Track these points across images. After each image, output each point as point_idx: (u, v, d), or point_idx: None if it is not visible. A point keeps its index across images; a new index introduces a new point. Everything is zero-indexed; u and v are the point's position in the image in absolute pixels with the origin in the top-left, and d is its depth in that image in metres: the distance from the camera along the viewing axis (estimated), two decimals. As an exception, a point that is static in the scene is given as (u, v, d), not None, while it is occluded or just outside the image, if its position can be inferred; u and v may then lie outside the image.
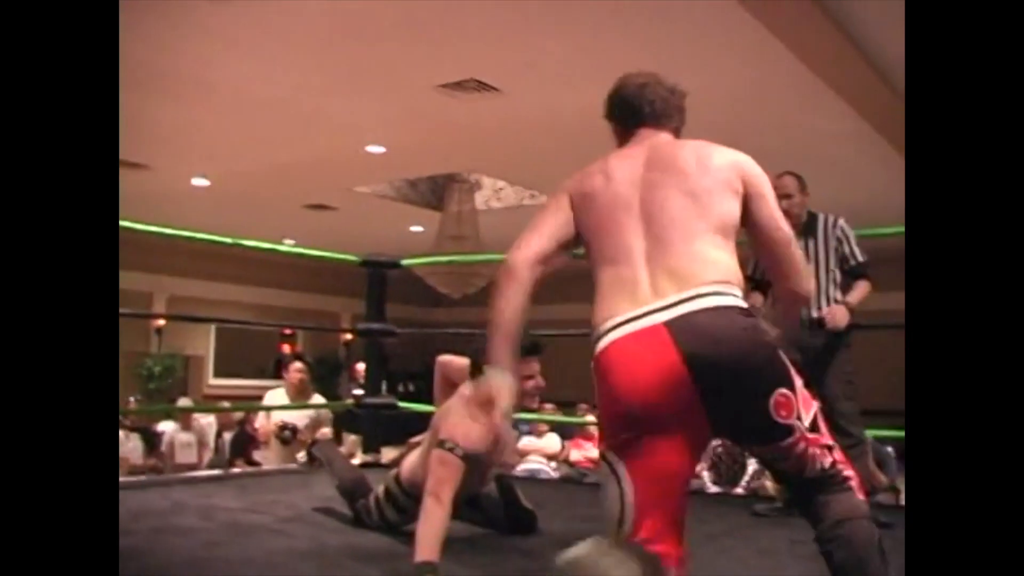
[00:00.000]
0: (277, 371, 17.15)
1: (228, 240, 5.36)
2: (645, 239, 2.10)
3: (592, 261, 2.19)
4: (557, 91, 7.33)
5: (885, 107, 7.25)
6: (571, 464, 9.56)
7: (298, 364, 6.57)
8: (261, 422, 6.85)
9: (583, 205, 2.22)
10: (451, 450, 2.98)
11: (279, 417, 6.28)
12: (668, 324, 1.97)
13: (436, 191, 11.88)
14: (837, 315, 4.06)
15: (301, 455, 6.06)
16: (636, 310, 2.01)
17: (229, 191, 11.06)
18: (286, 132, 8.62)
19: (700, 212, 2.11)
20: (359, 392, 6.07)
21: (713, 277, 2.04)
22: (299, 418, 6.25)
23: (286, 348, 17.63)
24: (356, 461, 5.59)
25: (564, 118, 7.94)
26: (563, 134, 8.52)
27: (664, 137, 2.35)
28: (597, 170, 2.25)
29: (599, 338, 2.05)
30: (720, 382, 1.94)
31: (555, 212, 2.26)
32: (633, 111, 2.37)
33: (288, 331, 17.31)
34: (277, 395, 6.54)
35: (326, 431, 6.31)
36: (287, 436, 6.21)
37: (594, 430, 9.55)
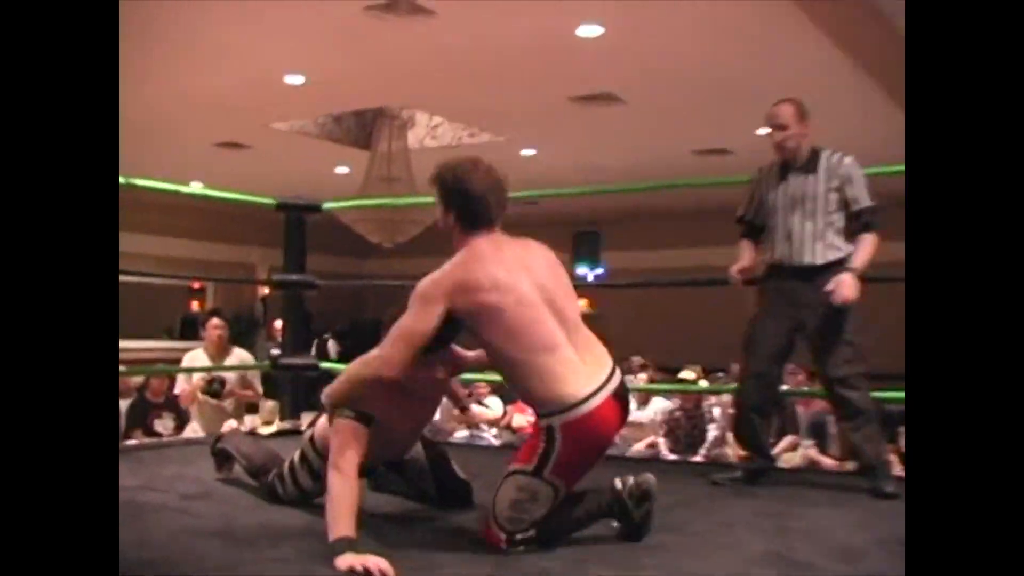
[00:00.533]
0: (184, 331, 17.00)
1: (120, 180, 5.19)
2: (563, 330, 2.94)
3: (518, 352, 2.88)
4: (498, 15, 7.22)
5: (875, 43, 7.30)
6: (514, 430, 9.57)
7: (216, 320, 6.63)
8: (182, 386, 6.89)
9: (485, 318, 2.89)
10: (346, 415, 2.98)
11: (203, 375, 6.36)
12: (613, 394, 2.93)
13: (364, 128, 11.73)
14: (843, 287, 3.81)
15: (231, 422, 6.05)
16: (592, 386, 2.88)
17: (124, 124, 10.77)
18: (194, 59, 8.38)
19: (576, 305, 3.07)
20: (276, 352, 6.01)
21: (608, 357, 3.05)
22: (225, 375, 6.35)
23: (195, 305, 17.42)
24: (273, 428, 5.55)
25: (506, 45, 7.84)
26: (505, 64, 8.42)
27: (503, 237, 3.09)
28: (486, 287, 2.89)
29: (575, 406, 2.84)
30: None
31: (428, 322, 2.92)
32: (484, 217, 3.03)
33: (197, 285, 17.08)
34: (196, 356, 6.65)
35: (250, 393, 6.38)
36: (216, 388, 6.27)
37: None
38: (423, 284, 2.93)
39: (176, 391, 7.06)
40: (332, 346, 17.33)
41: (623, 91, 9.27)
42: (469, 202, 3.00)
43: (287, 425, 5.57)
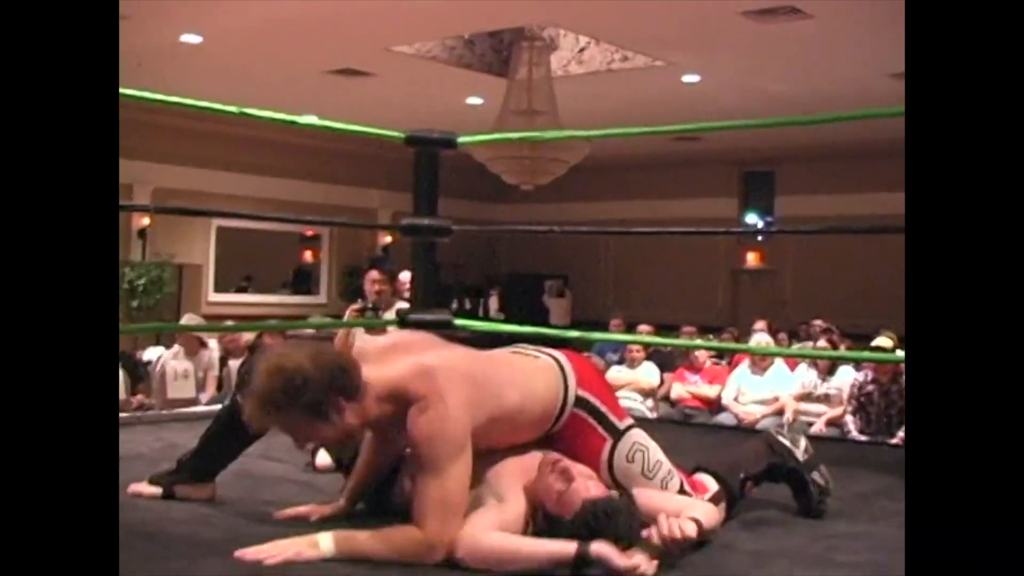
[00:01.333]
0: (297, 283, 17.40)
1: (232, 109, 5.30)
2: None
3: None
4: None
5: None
6: (672, 402, 9.57)
7: (374, 273, 6.63)
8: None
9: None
10: None
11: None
12: None
13: (500, 52, 11.77)
14: None
15: None
16: None
17: (229, 51, 11.05)
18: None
19: None
20: (404, 306, 6.06)
21: None
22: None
23: (308, 255, 17.81)
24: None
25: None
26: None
27: None
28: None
29: None
30: None
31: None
32: None
33: (310, 232, 17.43)
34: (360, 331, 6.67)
35: None
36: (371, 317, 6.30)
37: (703, 358, 9.45)
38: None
39: None
40: (494, 302, 17.44)
41: (806, 3, 9.06)
42: None
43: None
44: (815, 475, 3.19)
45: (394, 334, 4.08)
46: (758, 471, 3.15)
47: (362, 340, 6.31)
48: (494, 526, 2.73)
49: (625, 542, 2.60)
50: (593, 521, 2.63)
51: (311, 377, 2.64)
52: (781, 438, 3.23)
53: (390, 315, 6.49)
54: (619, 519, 2.65)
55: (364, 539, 2.72)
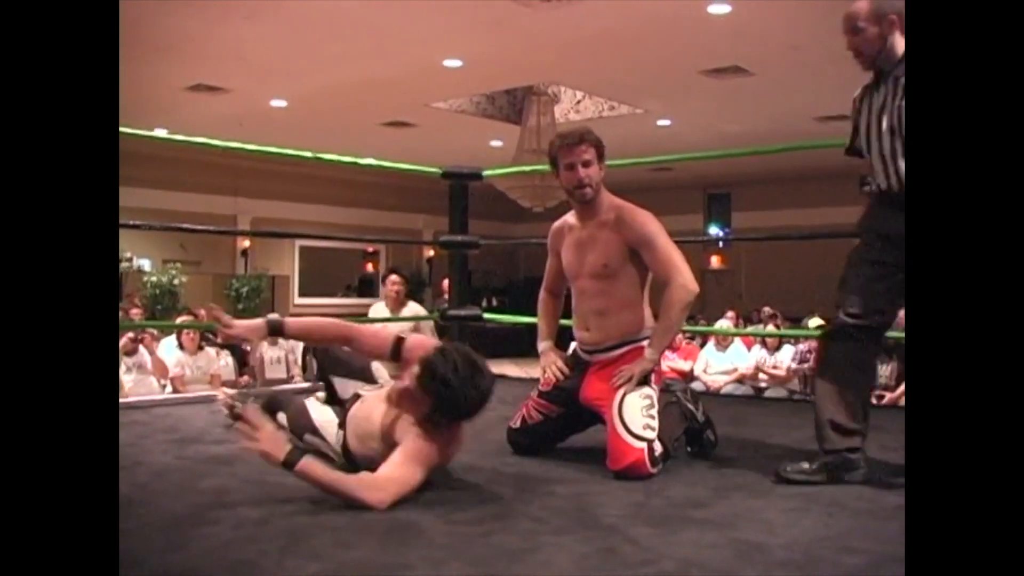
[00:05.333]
0: (361, 289, 17.48)
1: (308, 154, 5.38)
2: None
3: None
4: (636, -4, 7.15)
5: None
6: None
7: (394, 276, 6.69)
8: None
9: None
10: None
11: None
12: None
13: (514, 105, 11.78)
14: None
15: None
16: None
17: (306, 111, 11.11)
18: (361, 48, 8.56)
19: None
20: (417, 306, 6.18)
21: None
22: (400, 329, 6.38)
23: (369, 267, 17.86)
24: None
25: (642, 24, 7.76)
26: (642, 41, 8.34)
27: None
28: None
29: None
30: None
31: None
32: None
33: (371, 249, 17.50)
34: (379, 308, 6.79)
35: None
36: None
37: (679, 339, 9.31)
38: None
39: None
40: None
41: (750, 64, 9.06)
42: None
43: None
44: (708, 433, 3.23)
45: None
46: (679, 434, 3.16)
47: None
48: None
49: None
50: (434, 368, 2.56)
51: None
52: (688, 404, 3.24)
53: (406, 311, 6.56)
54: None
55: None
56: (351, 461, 2.84)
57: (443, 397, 2.55)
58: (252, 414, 2.48)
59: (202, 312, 8.73)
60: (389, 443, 2.67)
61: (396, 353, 2.84)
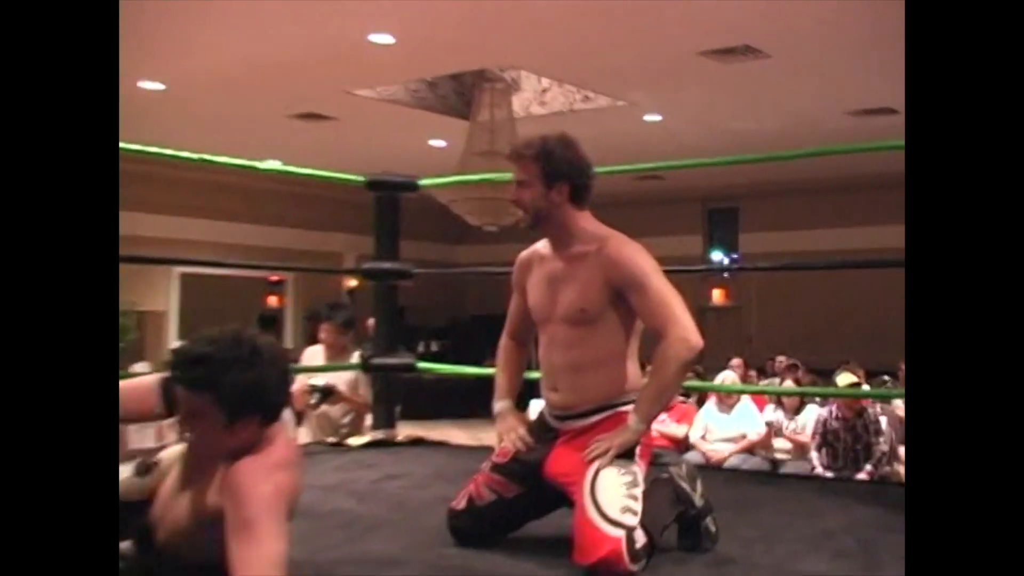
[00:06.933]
0: (262, 329, 17.34)
1: (192, 156, 5.31)
2: None
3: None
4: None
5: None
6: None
7: (327, 325, 6.61)
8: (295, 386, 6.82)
9: None
10: None
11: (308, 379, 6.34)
12: None
13: (462, 94, 11.81)
14: None
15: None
16: None
17: (192, 98, 11.05)
18: (261, 17, 8.55)
19: None
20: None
21: None
22: (336, 379, 6.30)
23: (273, 300, 17.75)
24: (364, 440, 5.57)
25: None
26: (625, 14, 8.38)
27: None
28: None
29: None
30: None
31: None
32: (590, 194, 3.34)
33: (275, 277, 17.40)
34: (315, 353, 6.68)
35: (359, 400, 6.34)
36: (318, 399, 6.26)
37: (681, 402, 9.32)
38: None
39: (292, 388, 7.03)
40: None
41: (764, 42, 9.14)
42: (584, 174, 3.25)
43: (380, 435, 5.55)
44: (708, 521, 3.18)
45: None
46: (669, 521, 3.13)
47: None
48: None
49: None
50: None
51: None
52: (682, 482, 3.21)
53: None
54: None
55: None
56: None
57: (227, 384, 2.44)
58: None
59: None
60: (208, 519, 2.52)
61: (169, 402, 2.67)
